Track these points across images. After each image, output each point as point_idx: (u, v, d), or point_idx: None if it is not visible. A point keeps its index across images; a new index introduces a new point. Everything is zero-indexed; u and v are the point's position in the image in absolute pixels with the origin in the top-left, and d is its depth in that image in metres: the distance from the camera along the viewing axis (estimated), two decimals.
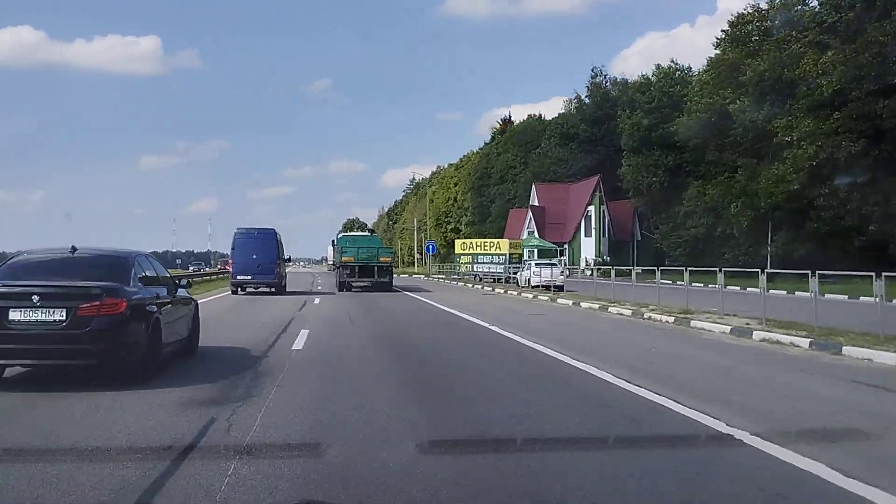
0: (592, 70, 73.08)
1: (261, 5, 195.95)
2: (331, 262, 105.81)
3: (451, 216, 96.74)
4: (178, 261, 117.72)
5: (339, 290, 28.21)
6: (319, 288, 32.44)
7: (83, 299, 6.87)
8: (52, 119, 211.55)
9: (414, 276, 60.01)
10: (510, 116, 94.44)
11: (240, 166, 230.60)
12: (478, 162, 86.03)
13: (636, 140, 50.02)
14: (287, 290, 26.85)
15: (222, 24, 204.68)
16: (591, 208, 53.02)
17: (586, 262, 49.94)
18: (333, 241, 51.16)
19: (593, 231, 53.48)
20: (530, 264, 29.15)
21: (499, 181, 77.78)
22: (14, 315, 6.74)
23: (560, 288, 26.63)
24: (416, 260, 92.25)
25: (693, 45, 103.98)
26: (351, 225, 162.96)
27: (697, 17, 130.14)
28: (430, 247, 53.61)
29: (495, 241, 40.14)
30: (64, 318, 6.77)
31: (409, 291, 30.91)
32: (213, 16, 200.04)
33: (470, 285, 35.69)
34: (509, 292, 27.32)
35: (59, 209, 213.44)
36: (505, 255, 37.07)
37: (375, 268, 28.31)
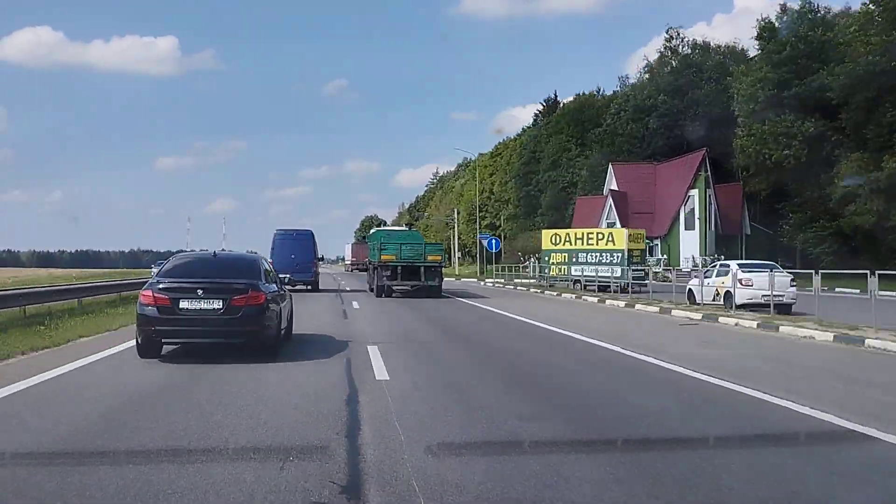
0: (667, 32, 61.15)
1: (277, 6, 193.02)
2: (349, 262, 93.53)
3: (488, 210, 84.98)
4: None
5: (378, 296, 24.00)
6: (344, 285, 30.36)
7: (235, 293, 8.81)
8: (70, 119, 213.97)
9: (463, 279, 48.31)
10: (556, 95, 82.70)
11: (256, 167, 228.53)
12: (522, 147, 74.20)
13: (760, 102, 38.10)
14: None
15: (239, 24, 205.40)
16: (694, 193, 41.07)
17: (694, 261, 38.14)
18: (363, 238, 43.96)
19: (697, 222, 41.60)
20: (728, 267, 17.13)
21: (550, 167, 65.95)
22: (183, 304, 8.72)
23: (787, 309, 15.03)
24: (451, 260, 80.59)
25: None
26: (370, 223, 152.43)
27: (714, 16, 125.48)
28: (493, 243, 41.37)
29: (605, 231, 28.30)
30: (221, 307, 8.73)
31: (486, 303, 19.84)
32: (229, 16, 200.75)
33: (590, 298, 23.60)
34: (724, 320, 14.78)
35: (76, 209, 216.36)
36: (622, 251, 25.41)
37: (422, 269, 23.85)
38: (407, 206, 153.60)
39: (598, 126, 63.16)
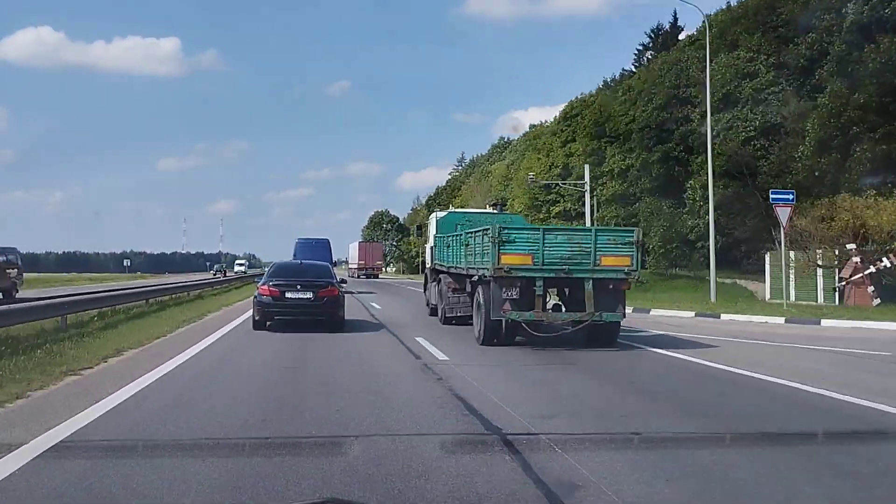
0: None
1: (280, 6, 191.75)
2: (354, 266, 71.67)
3: (563, 191, 56.69)
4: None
5: (487, 341, 12.45)
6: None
7: (320, 287, 14.11)
8: (72, 120, 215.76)
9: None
10: (675, 17, 55.62)
11: (259, 168, 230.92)
12: (653, 81, 46.20)
13: None
14: None
15: (242, 25, 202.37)
16: None
17: None
18: (418, 226, 25.40)
19: None
20: None
21: (721, 102, 38.37)
22: (288, 294, 13.96)
23: None
24: None
25: None
26: (380, 219, 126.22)
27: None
28: None
29: None
30: (311, 296, 13.93)
31: None
32: (232, 17, 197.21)
33: None
34: None
35: (78, 210, 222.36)
36: None
37: (590, 284, 11.95)
38: (424, 200, 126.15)
39: (808, 31, 36.01)
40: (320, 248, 29.76)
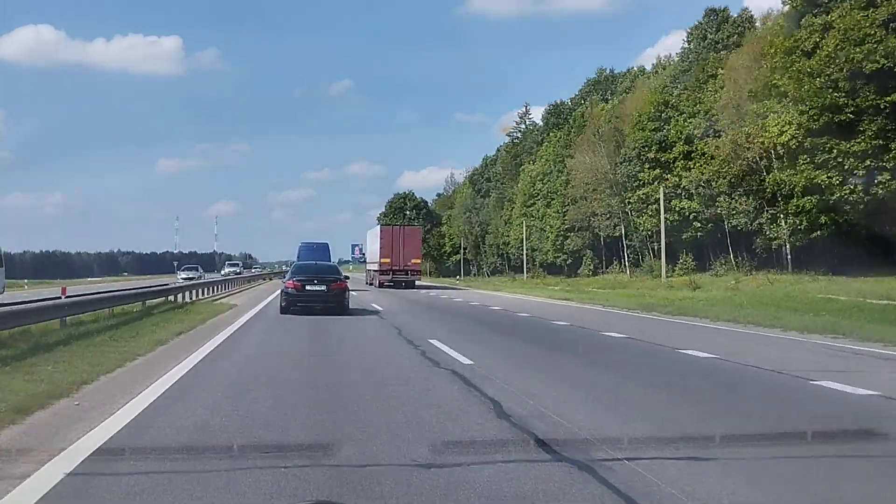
0: None
1: (282, 5, 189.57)
2: (375, 266, 44.14)
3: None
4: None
5: None
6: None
7: (332, 281, 18.10)
8: (71, 121, 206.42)
9: None
10: None
11: (259, 169, 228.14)
12: None
13: None
14: None
15: (243, 23, 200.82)
16: None
17: None
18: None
19: None
20: None
21: None
22: (308, 287, 17.77)
23: None
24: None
25: None
26: (402, 204, 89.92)
27: None
28: None
29: None
30: (325, 289, 17.78)
31: None
32: (234, 15, 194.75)
33: None
34: None
35: (76, 211, 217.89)
36: None
37: None
38: (462, 175, 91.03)
39: None
40: (321, 250, 33.74)
